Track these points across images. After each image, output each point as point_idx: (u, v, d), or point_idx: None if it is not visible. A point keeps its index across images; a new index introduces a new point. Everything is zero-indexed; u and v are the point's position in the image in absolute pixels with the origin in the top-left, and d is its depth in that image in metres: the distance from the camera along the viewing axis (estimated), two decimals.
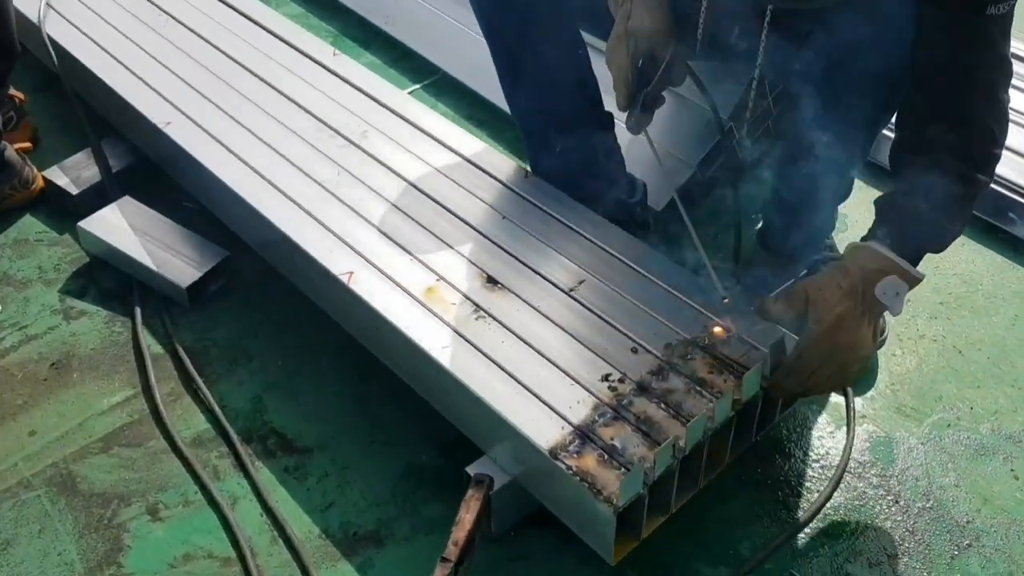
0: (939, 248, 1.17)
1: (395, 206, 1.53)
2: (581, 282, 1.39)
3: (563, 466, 1.15)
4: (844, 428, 1.46)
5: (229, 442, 1.44)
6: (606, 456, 1.16)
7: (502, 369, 1.26)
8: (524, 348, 1.29)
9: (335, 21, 2.47)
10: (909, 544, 1.34)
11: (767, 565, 1.30)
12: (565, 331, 1.32)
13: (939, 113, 1.16)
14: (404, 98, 1.80)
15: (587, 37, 1.54)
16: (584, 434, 1.18)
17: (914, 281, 1.13)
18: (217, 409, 1.48)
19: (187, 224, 1.72)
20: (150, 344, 1.59)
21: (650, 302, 1.36)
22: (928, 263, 1.24)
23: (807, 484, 1.40)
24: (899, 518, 1.37)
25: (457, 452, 1.39)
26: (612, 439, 1.17)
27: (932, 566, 1.31)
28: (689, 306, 1.36)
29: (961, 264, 1.78)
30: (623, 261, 1.43)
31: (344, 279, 1.40)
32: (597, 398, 1.22)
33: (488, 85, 2.14)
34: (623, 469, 1.14)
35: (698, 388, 1.24)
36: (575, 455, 1.16)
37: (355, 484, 1.40)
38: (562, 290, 1.38)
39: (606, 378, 1.25)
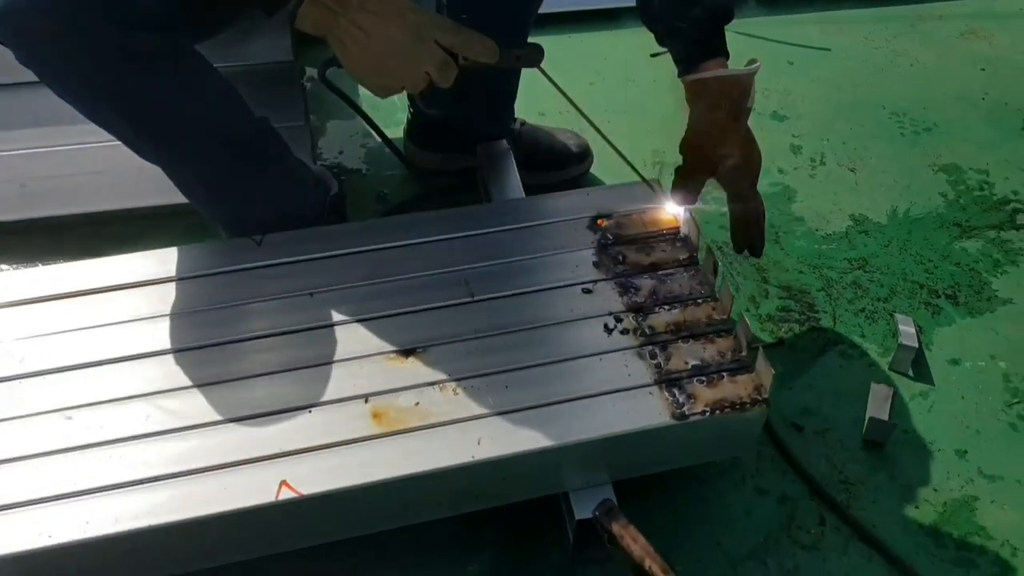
0: (732, 15, 1.24)
1: (208, 386, 1.09)
2: (466, 283, 1.20)
3: (698, 417, 1.08)
4: None
5: None
6: (705, 378, 1.11)
7: (540, 407, 1.08)
8: (525, 374, 1.11)
9: None
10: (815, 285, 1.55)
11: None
12: (523, 330, 1.15)
13: None
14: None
15: None
16: (671, 380, 1.11)
17: (757, 71, 1.22)
18: None
19: None
20: None
21: (536, 247, 1.25)
22: None
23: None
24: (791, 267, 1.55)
25: (485, 546, 1.19)
26: (688, 362, 1.12)
27: (842, 300, 1.56)
28: (563, 223, 1.28)
29: None
30: (466, 236, 1.26)
31: (285, 493, 1.00)
32: (632, 349, 1.14)
33: None
34: (723, 375, 1.11)
35: (662, 272, 1.22)
36: (691, 400, 1.09)
37: None
38: (465, 303, 1.18)
39: (609, 330, 1.16)
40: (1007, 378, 1.42)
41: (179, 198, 1.25)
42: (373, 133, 1.37)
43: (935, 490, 1.29)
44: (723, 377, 1.11)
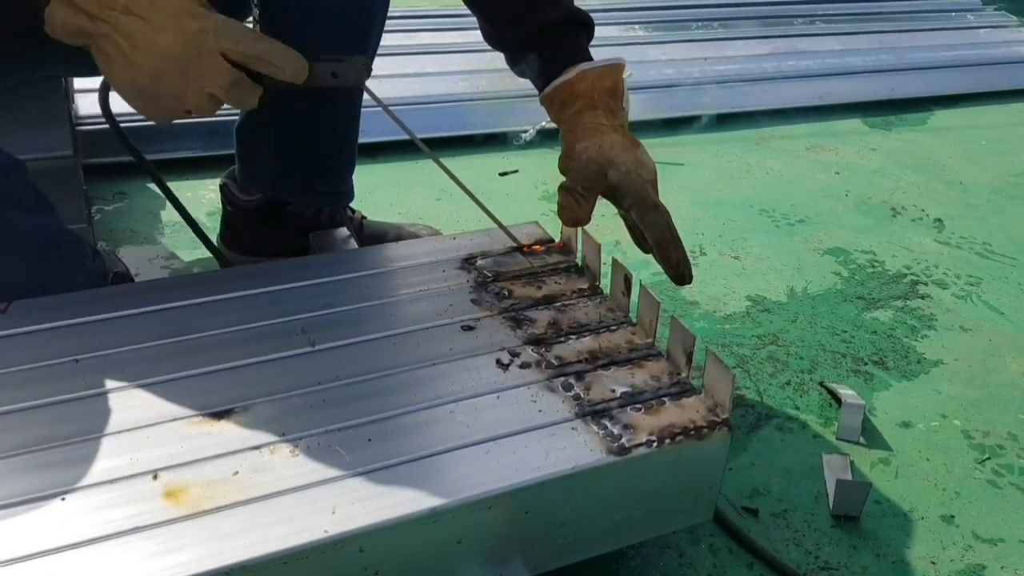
0: (589, 22, 1.07)
1: None
2: (303, 332, 0.89)
3: (643, 449, 0.77)
4: None
5: None
6: (641, 405, 0.82)
7: (422, 459, 0.75)
8: (396, 423, 0.78)
9: None
10: None
11: None
12: (387, 375, 0.84)
13: None
14: None
15: None
16: (596, 412, 0.80)
17: (623, 65, 1.04)
18: None
19: None
20: None
21: (394, 289, 0.96)
22: None
23: None
24: None
25: None
26: (615, 390, 0.83)
27: None
28: (427, 264, 1.01)
29: None
30: (298, 286, 0.96)
31: None
32: (539, 383, 0.84)
33: None
34: (664, 400, 0.83)
35: (560, 304, 0.95)
36: (629, 431, 0.79)
37: None
38: (302, 353, 0.86)
39: (505, 365, 0.86)
40: (968, 435, 1.20)
41: None
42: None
43: (933, 563, 1.00)
44: (664, 403, 0.82)
